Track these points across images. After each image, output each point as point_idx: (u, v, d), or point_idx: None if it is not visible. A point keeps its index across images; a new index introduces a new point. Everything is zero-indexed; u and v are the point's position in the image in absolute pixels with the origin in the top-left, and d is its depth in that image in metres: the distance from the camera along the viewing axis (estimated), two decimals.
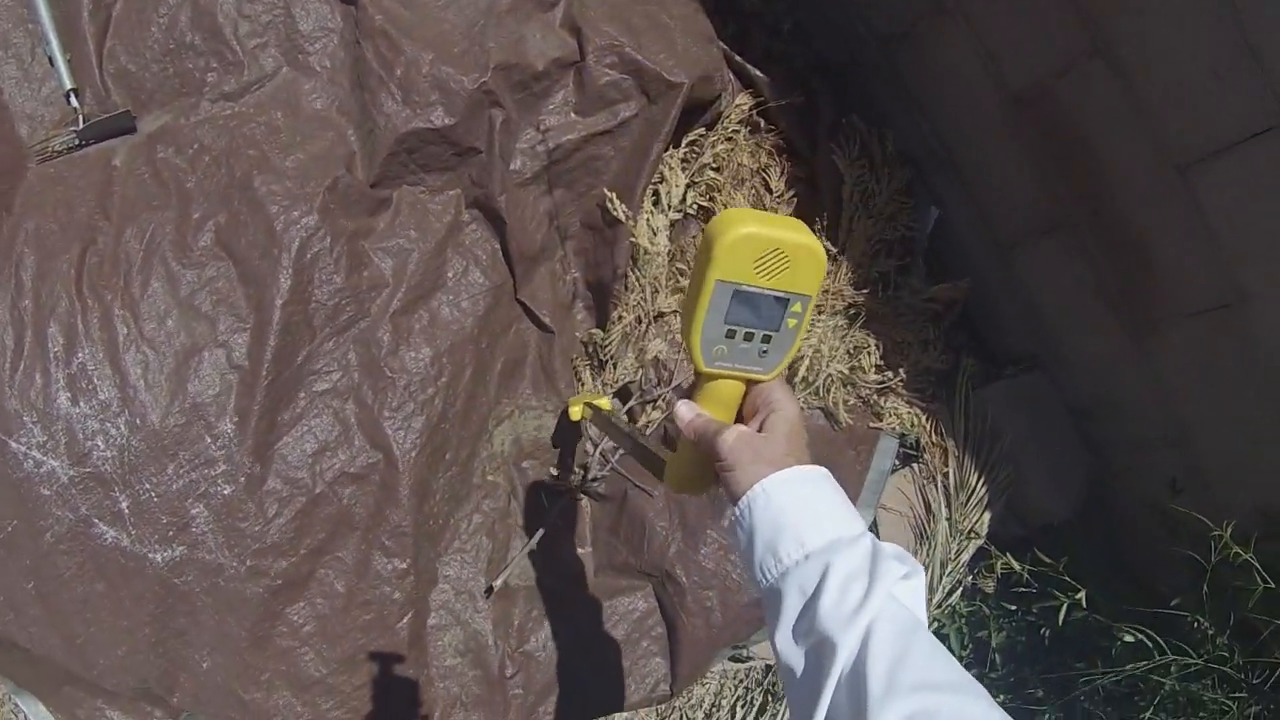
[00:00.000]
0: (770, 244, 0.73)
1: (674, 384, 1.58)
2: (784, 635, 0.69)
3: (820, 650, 0.66)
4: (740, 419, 0.81)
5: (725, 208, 1.60)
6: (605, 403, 1.50)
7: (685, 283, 1.60)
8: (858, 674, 0.63)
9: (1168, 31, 1.24)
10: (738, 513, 0.75)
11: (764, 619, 0.74)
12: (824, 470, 0.76)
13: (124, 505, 1.40)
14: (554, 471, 1.58)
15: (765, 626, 0.75)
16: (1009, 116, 1.51)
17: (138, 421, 1.40)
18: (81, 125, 1.48)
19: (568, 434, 1.60)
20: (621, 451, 1.58)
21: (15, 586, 1.39)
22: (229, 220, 1.45)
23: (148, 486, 1.40)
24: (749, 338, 0.77)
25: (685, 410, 0.81)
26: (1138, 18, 1.26)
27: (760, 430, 0.78)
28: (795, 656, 0.69)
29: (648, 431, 1.60)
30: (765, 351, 0.78)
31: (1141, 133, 1.34)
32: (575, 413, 1.52)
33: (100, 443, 1.40)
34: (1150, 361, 1.54)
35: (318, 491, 1.44)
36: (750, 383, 0.80)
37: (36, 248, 1.42)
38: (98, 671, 1.42)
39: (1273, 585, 1.36)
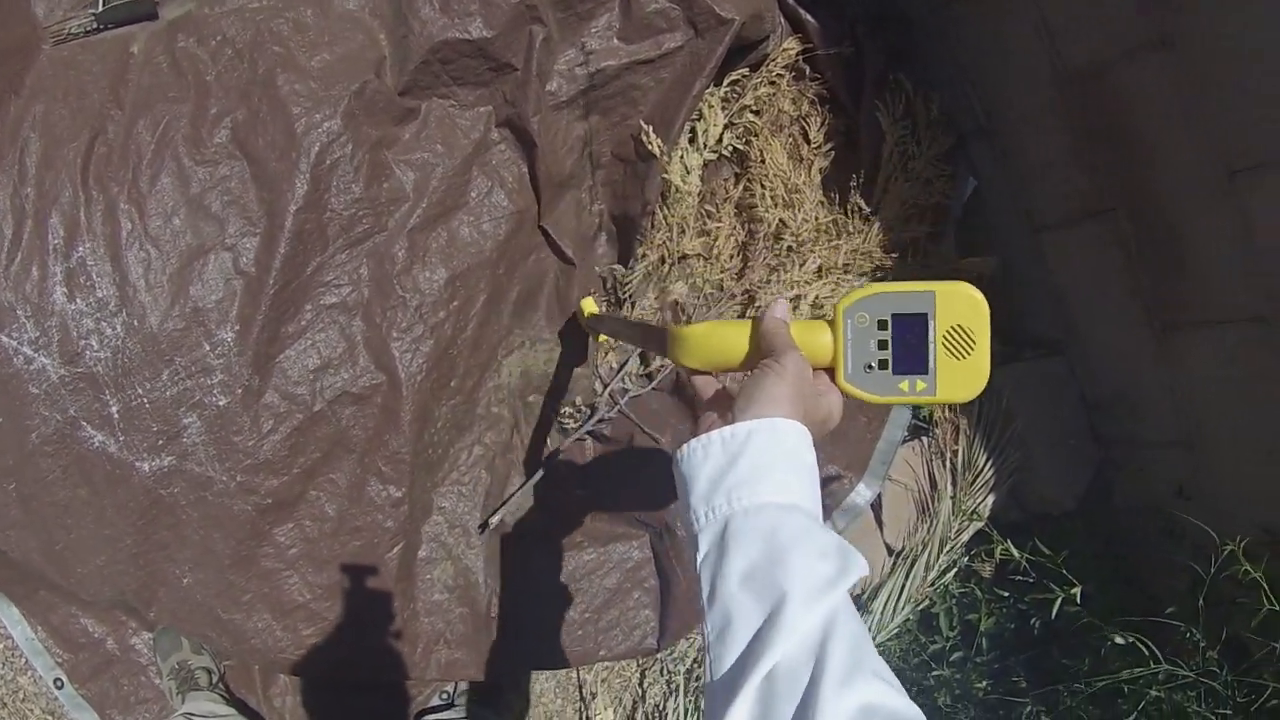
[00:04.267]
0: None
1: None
2: (734, 576, 0.67)
3: (778, 607, 0.64)
4: None
5: (761, 156, 1.73)
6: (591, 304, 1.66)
7: (713, 225, 1.72)
8: (818, 651, 0.62)
9: (1247, 32, 1.34)
10: (746, 427, 0.73)
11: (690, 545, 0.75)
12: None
13: (114, 409, 1.52)
14: (561, 409, 1.70)
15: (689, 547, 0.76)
16: (1060, 95, 1.66)
17: (135, 323, 1.51)
18: (101, 8, 1.58)
19: (576, 369, 1.72)
20: (630, 394, 1.70)
21: None
22: (248, 118, 1.56)
23: (140, 392, 1.52)
24: (884, 365, 0.79)
25: (782, 309, 0.81)
26: (1217, 12, 1.36)
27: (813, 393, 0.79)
28: (743, 602, 0.66)
29: (659, 377, 1.73)
30: (876, 374, 0.80)
31: (1198, 130, 1.46)
32: (589, 304, 1.65)
33: (94, 342, 1.51)
34: (1172, 363, 1.69)
35: (316, 409, 1.57)
36: (832, 370, 0.81)
37: (44, 133, 1.52)
38: (75, 580, 1.55)
39: (1278, 607, 1.46)
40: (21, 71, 1.53)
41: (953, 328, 0.78)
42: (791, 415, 0.73)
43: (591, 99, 1.66)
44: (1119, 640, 1.64)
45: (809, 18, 1.73)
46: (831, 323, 0.80)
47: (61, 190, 1.50)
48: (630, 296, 1.75)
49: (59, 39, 1.57)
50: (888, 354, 0.78)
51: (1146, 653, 1.61)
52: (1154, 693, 1.62)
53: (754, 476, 0.70)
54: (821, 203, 1.77)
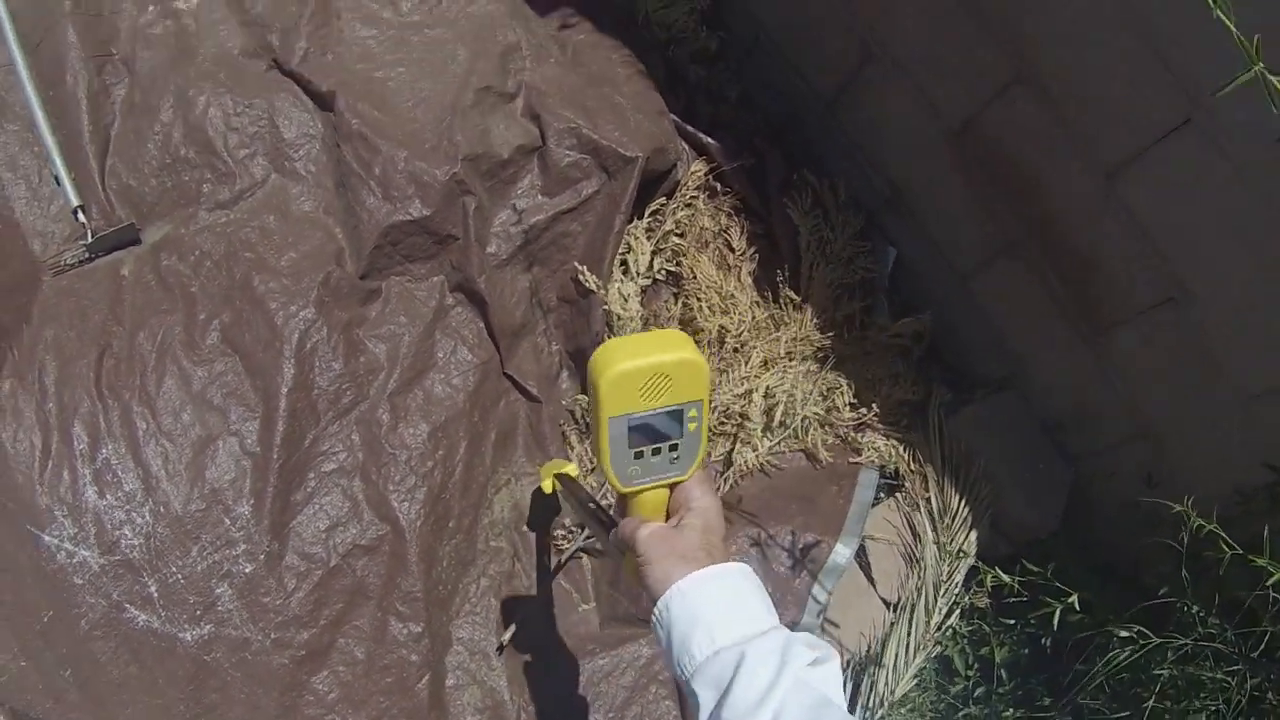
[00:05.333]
0: (647, 372, 0.98)
1: None
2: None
3: None
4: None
5: (692, 273, 2.07)
6: (572, 468, 1.90)
7: None
8: None
9: (1082, 50, 1.65)
10: (657, 612, 0.97)
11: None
12: (740, 566, 0.99)
13: (153, 589, 1.77)
14: (555, 532, 2.00)
15: None
16: (948, 150, 1.98)
17: (161, 509, 1.78)
18: (90, 239, 1.92)
19: (543, 505, 2.01)
20: (613, 508, 2.00)
21: (53, 675, 1.72)
22: (233, 319, 1.88)
23: (174, 569, 1.78)
24: (657, 452, 1.03)
25: (619, 524, 1.07)
26: (1054, 42, 1.68)
27: (677, 527, 1.03)
28: None
29: None
30: (676, 458, 1.04)
31: (1069, 147, 1.76)
32: (546, 486, 1.90)
33: (128, 531, 1.77)
34: (1110, 365, 1.95)
35: (333, 564, 1.83)
36: (672, 486, 1.07)
37: (56, 354, 1.83)
38: None
39: (1239, 550, 1.59)
40: (28, 303, 1.87)
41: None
42: (677, 573, 0.96)
43: (529, 252, 1.99)
44: (1123, 634, 1.79)
45: (709, 140, 2.08)
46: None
47: (80, 402, 1.79)
48: (595, 443, 2.05)
49: (57, 270, 1.90)
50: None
51: (1152, 640, 1.75)
52: (1164, 672, 1.78)
53: (687, 636, 0.93)
54: (756, 302, 2.09)
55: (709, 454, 2.04)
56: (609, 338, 2.01)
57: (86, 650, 1.73)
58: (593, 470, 2.02)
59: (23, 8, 2.15)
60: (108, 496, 1.78)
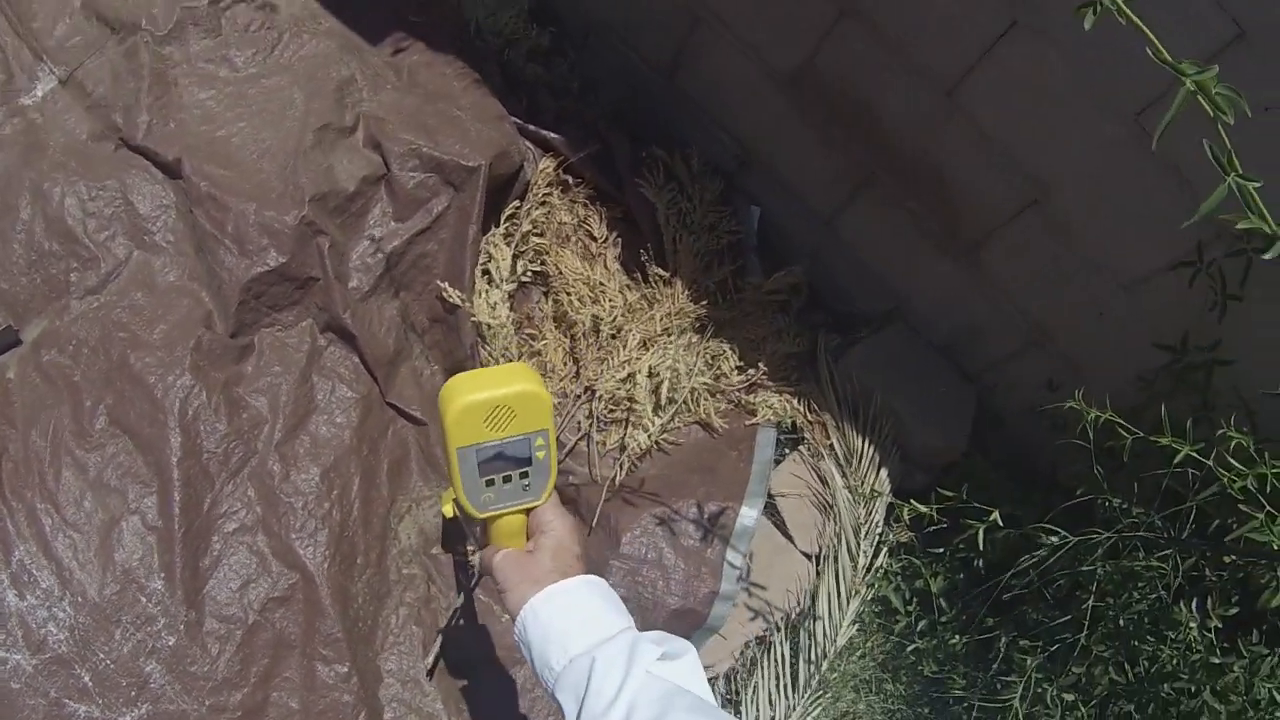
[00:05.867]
0: (491, 404, 1.08)
1: None
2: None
3: None
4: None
5: (557, 269, 2.10)
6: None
7: (539, 344, 2.08)
8: None
9: None
10: (517, 632, 1.07)
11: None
12: (588, 578, 1.09)
13: (87, 679, 1.87)
14: (461, 549, 2.03)
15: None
16: (788, 100, 2.07)
17: (79, 599, 1.89)
18: None
19: (455, 523, 2.06)
20: None
21: None
22: (116, 400, 2.00)
23: (102, 656, 1.89)
24: (508, 479, 1.13)
25: (481, 552, 1.20)
26: None
27: (531, 551, 1.14)
28: None
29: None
30: (528, 485, 1.15)
31: (905, 72, 1.84)
32: (446, 510, 1.93)
33: (52, 627, 1.88)
34: (988, 279, 2.03)
35: (251, 622, 1.94)
36: (528, 510, 1.17)
37: None
38: None
39: (1139, 434, 1.63)
40: None
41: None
42: (530, 594, 1.05)
43: (393, 278, 2.09)
44: (1052, 540, 1.81)
45: (552, 135, 2.14)
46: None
47: None
48: (448, 474, 2.09)
49: None
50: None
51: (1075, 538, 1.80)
52: (1099, 570, 1.82)
53: (544, 651, 1.02)
54: (626, 285, 2.14)
55: (596, 453, 2.11)
56: (483, 349, 2.05)
57: None
58: None
59: None
60: (28, 597, 1.88)
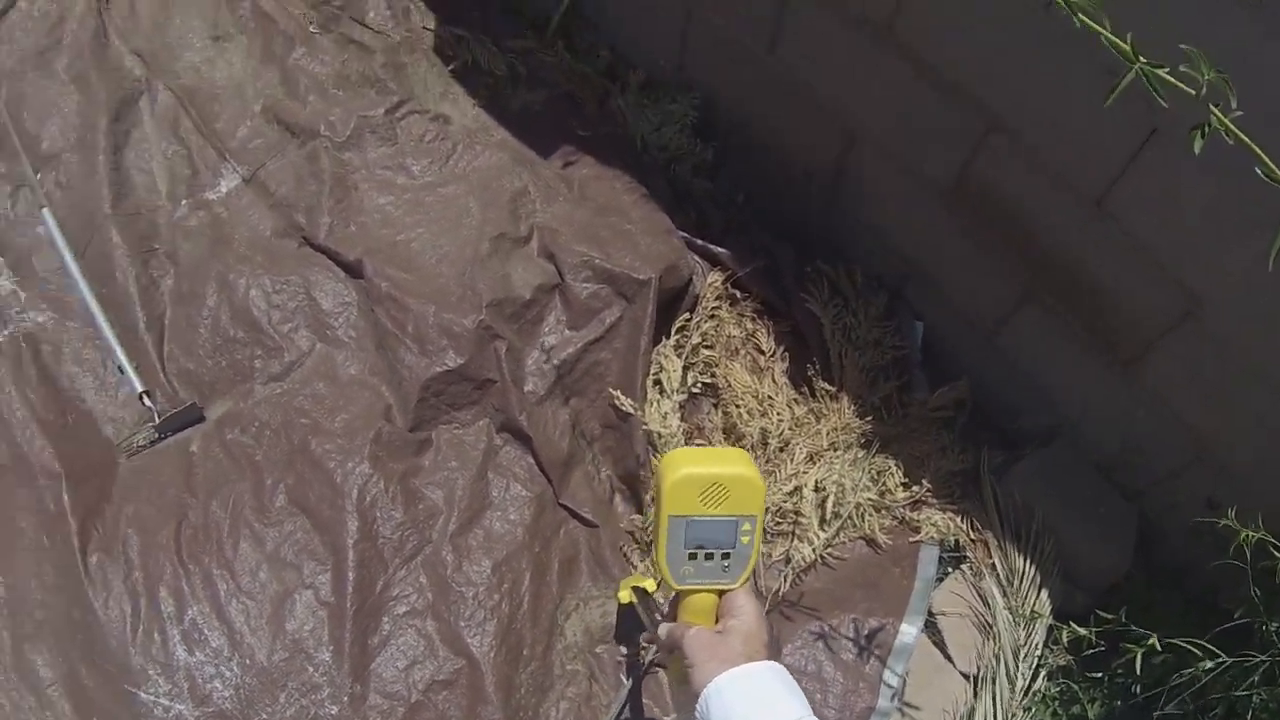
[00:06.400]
0: (709, 480, 1.29)
1: None
2: None
3: None
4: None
5: (727, 381, 2.65)
6: (649, 583, 2.28)
7: None
8: None
9: (1038, 83, 1.98)
10: (698, 708, 1.23)
11: None
12: (773, 664, 1.25)
13: None
14: (625, 651, 2.53)
15: None
16: (948, 213, 2.41)
17: (248, 661, 2.24)
18: (157, 421, 2.46)
19: (630, 624, 2.46)
20: None
21: None
22: (296, 481, 2.38)
23: (264, 717, 2.22)
24: (710, 557, 1.34)
25: (665, 625, 1.39)
26: (1011, 82, 2.04)
27: (721, 632, 1.31)
28: None
29: None
30: (728, 566, 1.35)
31: (1055, 182, 2.11)
32: (623, 597, 2.32)
33: (218, 684, 2.24)
34: (1149, 392, 2.29)
35: (414, 700, 2.27)
36: (721, 593, 1.36)
37: (138, 528, 2.35)
38: None
39: None
40: (107, 483, 2.41)
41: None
42: (718, 670, 1.23)
43: (566, 385, 2.48)
44: (1207, 664, 2.07)
45: (720, 250, 2.62)
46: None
47: (163, 569, 2.29)
48: (653, 540, 2.62)
49: (131, 452, 2.44)
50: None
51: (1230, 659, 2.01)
52: (1255, 697, 2.06)
53: None
54: (793, 399, 2.61)
55: (761, 563, 2.49)
56: (654, 458, 2.49)
57: None
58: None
59: (68, 215, 2.86)
60: (197, 654, 2.27)
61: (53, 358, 2.68)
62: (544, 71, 3.12)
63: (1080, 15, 1.21)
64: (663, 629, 1.44)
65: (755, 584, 1.47)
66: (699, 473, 1.33)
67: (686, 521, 1.35)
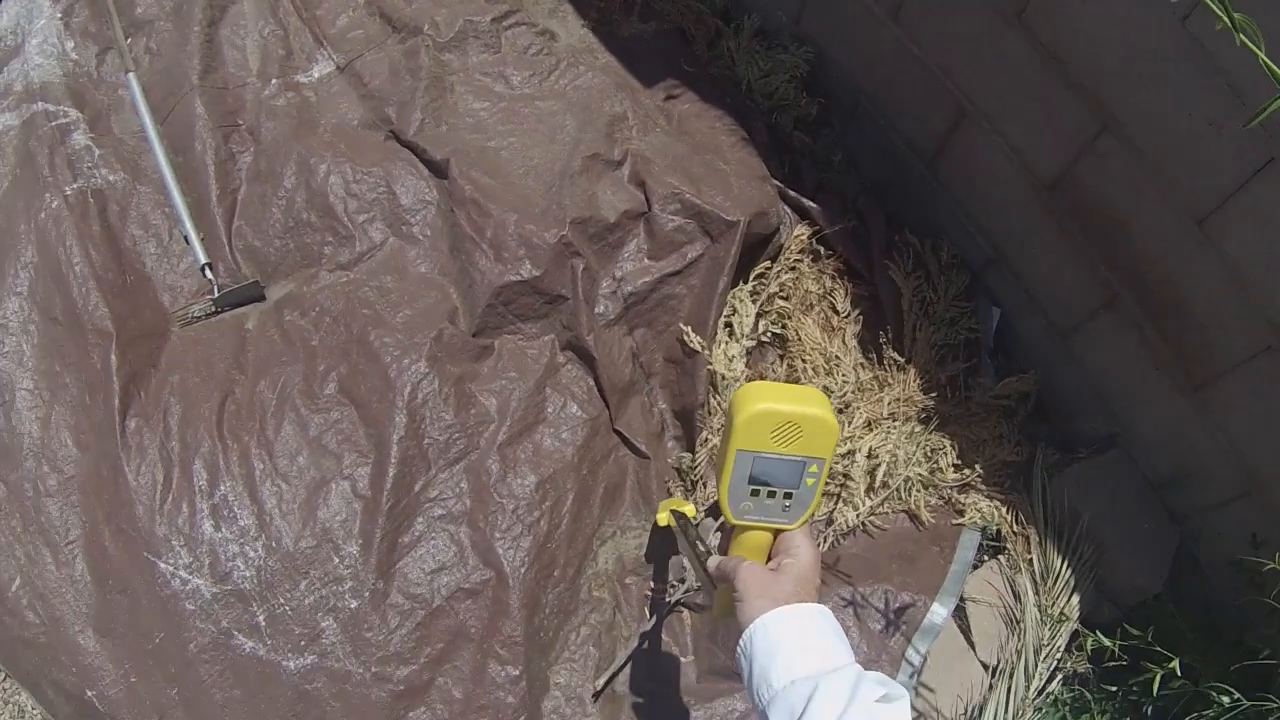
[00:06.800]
0: (783, 418, 1.29)
1: None
2: None
3: None
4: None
5: (797, 335, 2.62)
6: (689, 509, 2.28)
7: None
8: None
9: (1161, 93, 1.95)
10: (742, 642, 1.24)
11: None
12: (822, 608, 1.26)
13: (261, 619, 2.22)
14: (653, 584, 2.52)
15: None
16: (1045, 206, 2.38)
17: (274, 544, 2.23)
18: (216, 294, 2.46)
19: (663, 550, 2.46)
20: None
21: (161, 692, 2.17)
22: (349, 371, 2.36)
23: (282, 601, 2.22)
24: (772, 495, 1.35)
25: (717, 557, 1.40)
26: (1134, 88, 2.02)
27: (775, 570, 1.33)
28: None
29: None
30: (788, 506, 1.36)
31: (1159, 195, 2.09)
32: (662, 519, 2.28)
33: (240, 564, 2.23)
34: (1213, 419, 2.27)
35: (436, 605, 2.25)
36: (777, 532, 1.39)
37: (181, 397, 2.34)
38: None
39: None
40: (157, 350, 2.41)
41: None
42: (767, 607, 1.26)
43: (635, 314, 2.45)
44: (1224, 699, 2.08)
45: (811, 204, 2.62)
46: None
47: (201, 442, 2.28)
48: (700, 479, 2.55)
49: (185, 322, 2.43)
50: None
51: (1248, 702, 2.01)
52: None
53: (766, 667, 1.21)
54: (860, 364, 2.59)
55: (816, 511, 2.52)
56: (713, 398, 2.56)
57: (194, 672, 2.19)
58: (709, 513, 2.51)
59: (155, 80, 2.86)
60: (223, 530, 2.26)
61: (119, 218, 2.68)
62: (658, 2, 3.09)
63: (1241, 35, 1.13)
64: (713, 561, 1.43)
65: (811, 528, 1.44)
66: (775, 409, 1.33)
67: (754, 457, 1.35)
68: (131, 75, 2.87)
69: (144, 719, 2.18)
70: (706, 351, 2.43)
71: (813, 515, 1.48)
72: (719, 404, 2.48)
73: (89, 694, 2.21)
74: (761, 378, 2.56)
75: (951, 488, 2.52)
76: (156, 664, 2.19)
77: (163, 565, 2.25)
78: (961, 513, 2.51)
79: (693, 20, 3.08)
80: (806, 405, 1.34)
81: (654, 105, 2.77)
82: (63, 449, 2.35)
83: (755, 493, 1.37)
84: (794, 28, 2.98)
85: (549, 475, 2.42)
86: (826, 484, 2.40)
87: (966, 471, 2.51)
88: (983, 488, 2.52)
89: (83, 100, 2.88)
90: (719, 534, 2.26)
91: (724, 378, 2.45)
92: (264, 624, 2.25)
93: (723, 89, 2.88)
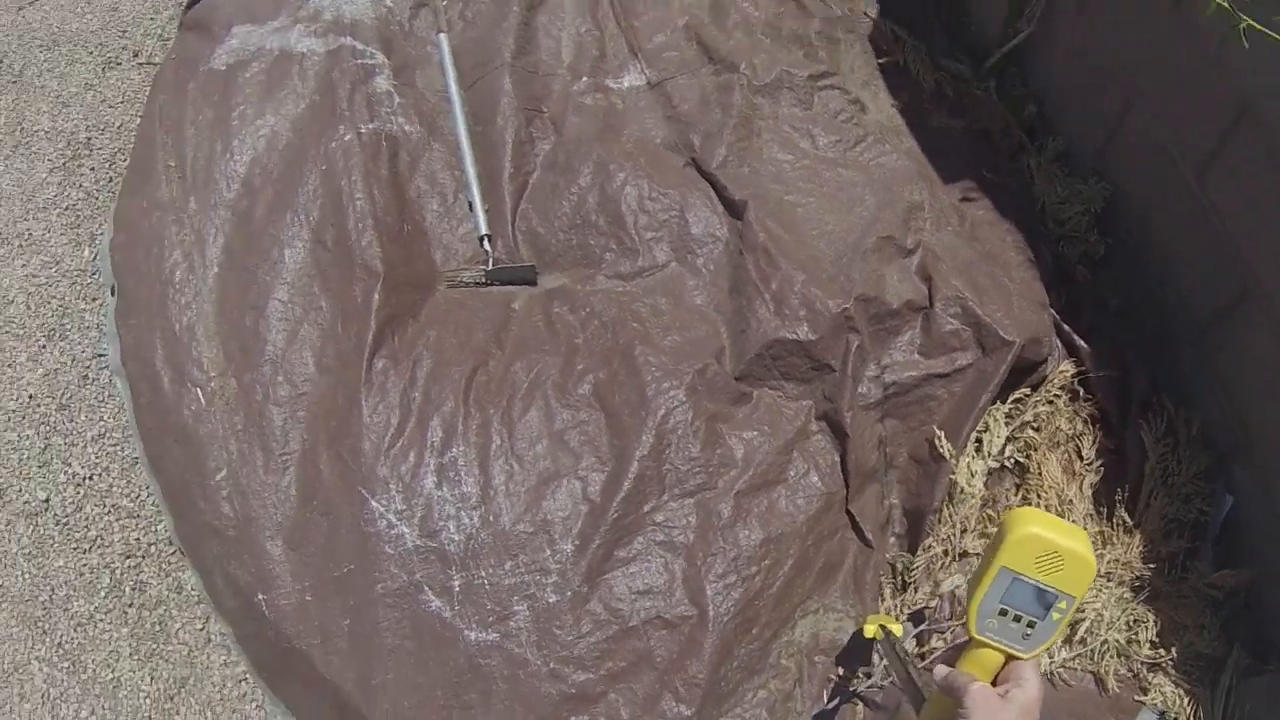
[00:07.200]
0: (1052, 547, 1.31)
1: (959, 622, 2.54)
2: None
3: None
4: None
5: (1039, 469, 2.65)
6: (897, 628, 2.29)
7: (992, 528, 2.60)
8: None
9: None
10: None
11: None
12: None
13: (456, 583, 2.26)
14: (841, 670, 2.55)
15: None
16: None
17: (490, 519, 2.28)
18: (490, 267, 2.52)
19: (860, 642, 2.46)
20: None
21: (332, 619, 2.23)
22: (608, 377, 2.41)
23: (483, 574, 2.26)
24: (1017, 620, 1.36)
25: (944, 667, 1.41)
26: None
27: (1004, 696, 1.33)
28: None
29: (929, 659, 2.58)
30: (1029, 634, 1.37)
31: None
32: (869, 630, 2.30)
33: (452, 526, 2.28)
34: None
35: (631, 625, 2.28)
36: (1010, 657, 1.39)
37: (435, 353, 2.41)
38: (379, 713, 2.22)
39: None
40: (419, 302, 2.48)
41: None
42: None
43: (893, 404, 2.48)
44: None
45: (1082, 343, 2.64)
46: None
47: (445, 401, 2.35)
48: (913, 582, 2.56)
49: (452, 284, 2.50)
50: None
51: None
52: None
53: None
54: (1090, 515, 2.60)
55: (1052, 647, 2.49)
56: (946, 508, 2.56)
57: (372, 611, 2.24)
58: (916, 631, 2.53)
59: (466, 47, 2.94)
60: (445, 490, 2.32)
61: (408, 167, 2.77)
62: (969, 101, 3.14)
63: None
64: (941, 670, 1.46)
65: (1039, 663, 1.48)
66: (1047, 536, 1.35)
67: (1013, 577, 1.37)
68: (443, 36, 2.95)
69: (306, 637, 2.26)
70: (954, 460, 2.45)
71: (1047, 650, 1.55)
72: (950, 514, 2.50)
73: (260, 597, 2.29)
74: (994, 501, 2.58)
75: (1143, 663, 2.52)
76: (337, 591, 2.26)
77: (374, 503, 2.32)
78: (1145, 691, 2.51)
79: (999, 128, 3.11)
80: (1075, 541, 1.37)
81: (949, 203, 2.81)
82: (301, 365, 2.44)
83: (1003, 612, 1.40)
84: (1096, 160, 3.00)
85: (776, 535, 2.44)
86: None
87: (1161, 652, 2.51)
88: (1172, 672, 2.53)
89: (390, 47, 2.98)
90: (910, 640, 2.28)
91: (963, 490, 2.47)
92: (458, 589, 2.30)
93: (1019, 204, 2.91)
